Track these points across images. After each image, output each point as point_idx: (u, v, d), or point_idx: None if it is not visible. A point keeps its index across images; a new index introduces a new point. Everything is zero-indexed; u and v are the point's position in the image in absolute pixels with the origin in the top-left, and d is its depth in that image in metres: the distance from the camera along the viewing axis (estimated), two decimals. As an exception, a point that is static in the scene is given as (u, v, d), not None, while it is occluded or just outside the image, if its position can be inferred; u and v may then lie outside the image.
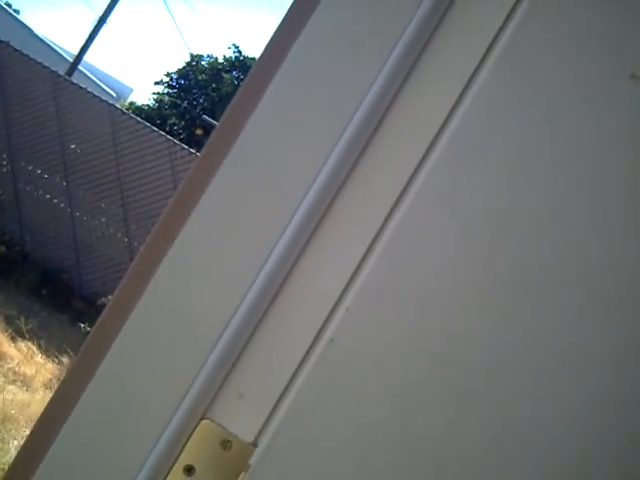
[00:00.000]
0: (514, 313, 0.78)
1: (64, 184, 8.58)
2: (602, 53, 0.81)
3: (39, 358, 6.07)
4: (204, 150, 0.89)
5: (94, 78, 20.42)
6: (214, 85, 18.35)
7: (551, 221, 0.79)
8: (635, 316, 0.77)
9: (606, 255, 0.78)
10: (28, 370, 5.63)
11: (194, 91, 18.70)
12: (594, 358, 0.77)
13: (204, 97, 18.54)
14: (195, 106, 18.27)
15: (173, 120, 17.75)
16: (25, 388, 5.31)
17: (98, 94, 9.27)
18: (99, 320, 0.87)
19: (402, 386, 0.79)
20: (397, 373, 0.79)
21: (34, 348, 6.16)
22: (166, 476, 0.82)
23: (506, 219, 0.80)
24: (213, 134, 0.88)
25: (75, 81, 9.30)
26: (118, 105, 10.84)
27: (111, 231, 8.52)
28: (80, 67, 17.37)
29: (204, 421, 0.82)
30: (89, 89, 9.05)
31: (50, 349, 6.26)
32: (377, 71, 0.83)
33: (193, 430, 0.82)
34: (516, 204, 0.80)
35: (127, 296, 0.86)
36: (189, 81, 18.92)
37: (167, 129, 14.62)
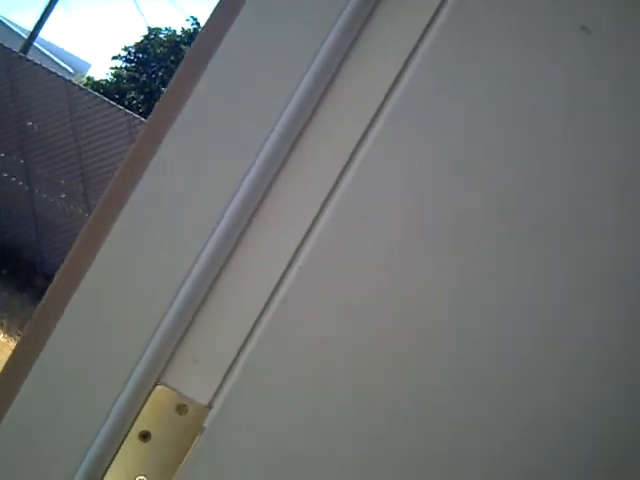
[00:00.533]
0: (471, 252, 0.79)
1: (22, 162, 8.43)
2: (551, 5, 0.81)
3: (1, 337, 6.00)
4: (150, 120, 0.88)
5: (50, 54, 20.01)
6: (173, 58, 18.08)
7: (505, 167, 0.80)
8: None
9: (566, 197, 0.79)
10: (-10, 350, 5.58)
11: (152, 64, 18.42)
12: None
13: (163, 70, 18.25)
14: (154, 79, 18.01)
15: (132, 94, 17.49)
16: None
17: (55, 70, 9.09)
18: (50, 286, 0.86)
19: (356, 343, 0.79)
20: (350, 330, 0.79)
21: (-3, 328, 6.09)
22: (121, 443, 0.81)
23: (461, 169, 0.80)
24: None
25: (30, 58, 9.11)
26: (75, 81, 10.65)
27: (71, 207, 8.41)
28: (35, 44, 16.99)
29: (159, 386, 0.82)
30: (45, 65, 8.86)
31: (12, 328, 6.19)
32: (324, 34, 0.82)
33: (148, 396, 0.82)
34: (471, 155, 0.80)
35: (78, 261, 0.84)
36: (147, 54, 18.63)
37: (126, 103, 14.41)
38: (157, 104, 0.87)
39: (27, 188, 8.41)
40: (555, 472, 0.78)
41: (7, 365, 0.85)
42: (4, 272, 7.58)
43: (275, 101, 0.82)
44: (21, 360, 0.84)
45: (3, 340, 5.95)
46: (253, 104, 0.83)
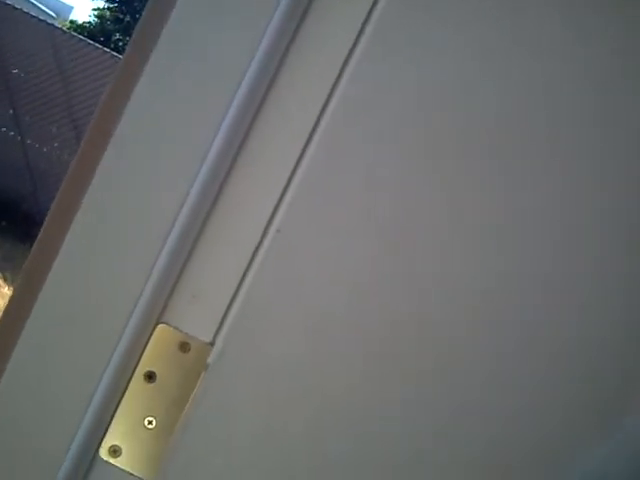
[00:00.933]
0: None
1: (11, 112, 8.33)
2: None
3: (7, 290, 6.03)
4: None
5: (30, -1, 19.60)
6: (156, -5, 17.65)
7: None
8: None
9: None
10: (-3, 303, 5.60)
11: (135, 4, 18.02)
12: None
13: (147, 9, 17.85)
14: (138, 19, 17.65)
15: (117, 35, 17.19)
16: (-4, 320, 5.27)
17: (36, 15, 8.90)
18: (41, 233, 0.84)
19: (353, 271, 0.77)
20: (350, 261, 0.77)
21: (0, 281, 6.11)
22: (127, 384, 0.81)
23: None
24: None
25: (10, 2, 8.90)
26: (58, 25, 10.45)
27: (65, 156, 8.34)
28: (14, -12, 16.63)
29: (160, 325, 0.80)
30: (26, 10, 8.67)
31: (17, 280, 6.20)
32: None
33: (150, 336, 0.80)
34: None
35: (67, 204, 0.82)
36: (130, -7, 18.25)
37: (112, 45, 14.18)
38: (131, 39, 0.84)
39: (19, 138, 8.33)
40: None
41: (4, 314, 0.84)
42: (3, 224, 7.57)
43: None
44: (17, 308, 0.82)
45: (8, 292, 5.98)
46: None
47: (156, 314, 0.80)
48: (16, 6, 8.57)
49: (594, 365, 0.77)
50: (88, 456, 0.80)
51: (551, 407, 0.77)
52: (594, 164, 0.76)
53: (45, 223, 0.84)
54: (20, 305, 0.82)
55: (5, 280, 6.16)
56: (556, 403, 0.77)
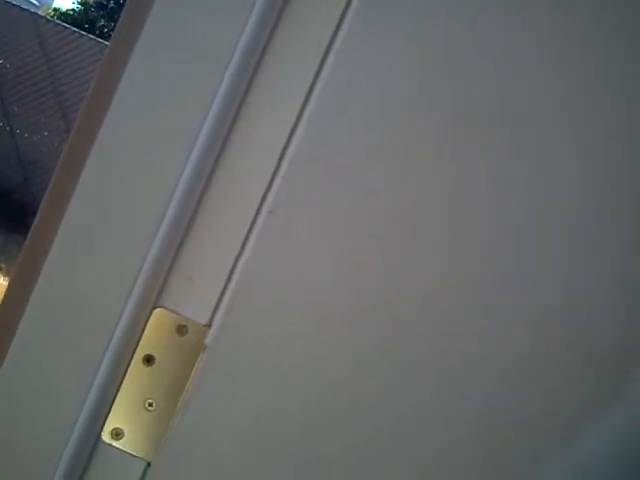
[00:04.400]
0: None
1: (-1, 102, 8.29)
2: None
3: (2, 281, 6.03)
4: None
5: (12, -13, 19.39)
6: (140, -20, 17.48)
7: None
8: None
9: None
10: (-8, 294, 5.59)
11: (119, -11, 17.90)
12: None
13: (131, -5, 17.71)
14: (122, 5, 17.47)
15: (102, 22, 17.04)
16: (-7, 311, 5.27)
17: (18, 4, 8.82)
18: (35, 221, 0.85)
19: (347, 248, 0.78)
20: (343, 238, 0.78)
21: (-5, 272, 6.11)
22: (126, 369, 0.82)
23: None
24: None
25: (-9, -8, 8.82)
26: (42, 13, 10.36)
27: (55, 144, 8.30)
28: (-5, -23, 16.46)
29: (157, 309, 0.81)
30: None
31: (12, 270, 6.21)
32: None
33: (147, 320, 0.81)
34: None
35: (60, 191, 0.83)
36: (113, -22, 18.06)
37: (97, 32, 14.06)
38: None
39: (8, 128, 8.29)
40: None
41: (2, 303, 0.85)
42: (-4, 215, 7.56)
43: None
44: (15, 297, 0.83)
45: (4, 283, 5.98)
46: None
47: (152, 298, 0.81)
48: (-3, -4, 8.51)
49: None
50: (91, 439, 0.81)
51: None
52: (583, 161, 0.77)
53: (39, 211, 0.85)
54: (18, 293, 0.83)
55: (0, 270, 6.15)
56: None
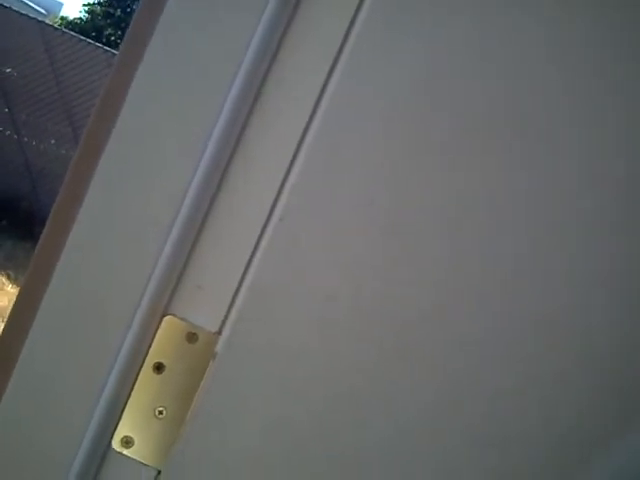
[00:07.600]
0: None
1: (6, 110, 8.31)
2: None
3: (10, 288, 6.04)
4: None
5: (20, -4, 19.49)
6: (146, -12, 17.55)
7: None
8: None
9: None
10: (0, 302, 5.61)
11: (126, -3, 17.97)
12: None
13: (138, 3, 17.79)
14: (129, 13, 17.57)
15: (109, 31, 17.12)
16: (1, 319, 5.30)
17: (26, 12, 8.86)
18: (46, 228, 0.85)
19: (357, 256, 0.78)
20: (353, 246, 0.78)
21: (4, 279, 6.12)
22: (136, 377, 0.82)
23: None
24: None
25: (-1, 1, 8.86)
26: (49, 22, 10.41)
27: (63, 152, 8.33)
28: (3, -13, 16.54)
29: (167, 317, 0.81)
30: (15, 8, 8.63)
31: (20, 278, 6.22)
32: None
33: (157, 327, 0.81)
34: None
35: (69, 203, 0.83)
36: (120, -13, 18.14)
37: (104, 41, 14.13)
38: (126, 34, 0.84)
39: (16, 137, 8.32)
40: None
41: (13, 310, 0.85)
42: (4, 223, 7.58)
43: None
44: (26, 304, 0.83)
45: (12, 291, 5.99)
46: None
47: (162, 306, 0.81)
48: (5, 4, 8.54)
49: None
50: (101, 447, 0.81)
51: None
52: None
53: (49, 219, 0.85)
54: (28, 301, 0.83)
55: (8, 278, 6.17)
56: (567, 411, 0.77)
